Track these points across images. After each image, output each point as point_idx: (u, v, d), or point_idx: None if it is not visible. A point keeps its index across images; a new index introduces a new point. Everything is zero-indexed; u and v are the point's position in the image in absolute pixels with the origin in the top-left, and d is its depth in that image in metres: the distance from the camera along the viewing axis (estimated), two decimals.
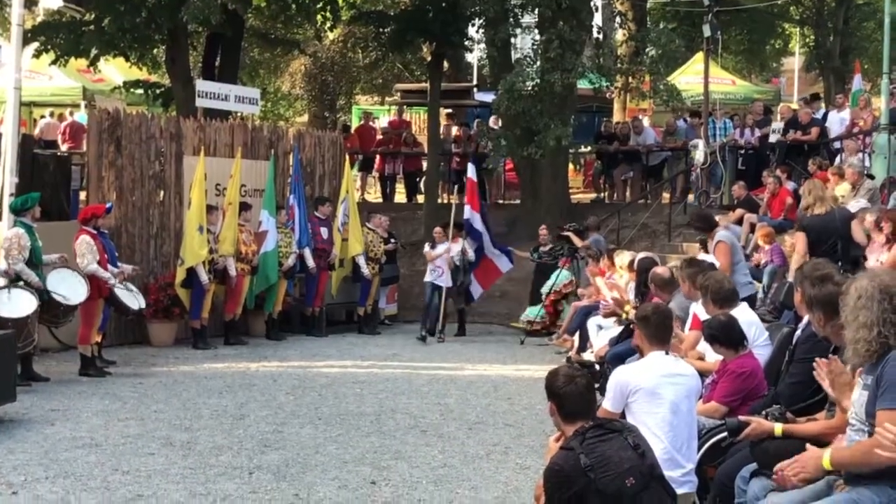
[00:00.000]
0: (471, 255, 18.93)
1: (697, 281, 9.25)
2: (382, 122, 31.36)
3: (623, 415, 6.50)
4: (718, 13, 20.01)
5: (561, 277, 18.73)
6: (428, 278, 18.74)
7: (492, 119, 26.36)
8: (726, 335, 7.82)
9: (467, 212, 19.02)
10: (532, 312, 19.07)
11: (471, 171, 19.80)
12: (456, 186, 21.33)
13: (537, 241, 20.19)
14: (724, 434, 6.79)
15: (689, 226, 13.82)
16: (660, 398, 6.46)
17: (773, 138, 20.51)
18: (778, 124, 20.80)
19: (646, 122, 25.89)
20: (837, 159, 18.90)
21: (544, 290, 18.89)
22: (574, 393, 5.42)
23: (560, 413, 5.46)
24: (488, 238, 19.37)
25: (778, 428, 6.09)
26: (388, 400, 12.59)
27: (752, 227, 16.81)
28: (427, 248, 19.04)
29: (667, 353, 6.80)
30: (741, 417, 6.50)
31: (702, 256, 13.20)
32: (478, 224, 19.08)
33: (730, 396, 7.57)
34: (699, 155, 19.86)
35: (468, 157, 26.15)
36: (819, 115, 21.16)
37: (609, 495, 5.04)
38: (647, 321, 6.89)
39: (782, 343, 7.92)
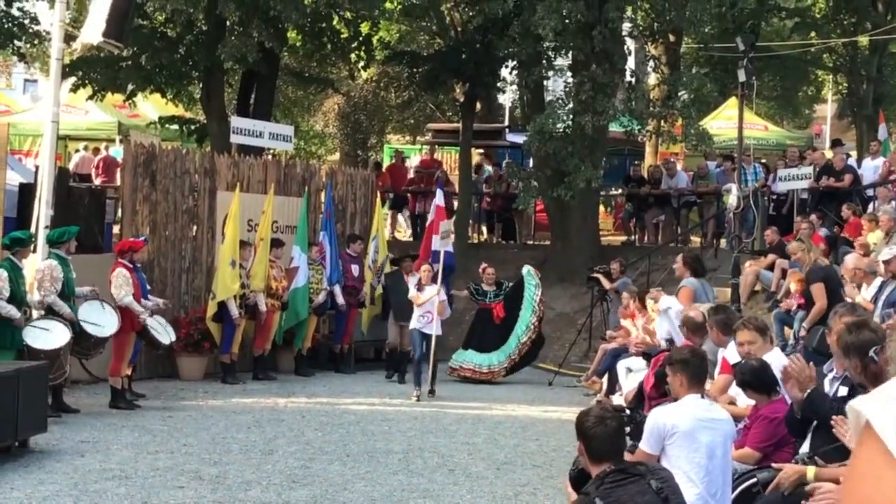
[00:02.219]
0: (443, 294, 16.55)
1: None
2: (413, 161, 31.48)
3: (658, 459, 6.47)
4: (752, 59, 20.00)
5: (524, 324, 18.05)
6: (414, 325, 16.37)
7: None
8: (758, 380, 7.78)
9: (435, 242, 17.48)
10: (488, 360, 18.14)
11: (439, 197, 18.60)
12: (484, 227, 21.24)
13: (479, 279, 19.04)
14: (755, 479, 6.75)
15: (683, 268, 14.22)
16: (696, 442, 6.43)
17: (800, 185, 20.43)
18: (799, 170, 20.64)
19: (678, 165, 25.88)
20: (870, 206, 18.83)
21: (511, 343, 18.08)
22: (602, 435, 5.42)
23: (587, 453, 5.46)
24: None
25: (810, 471, 6.05)
26: (416, 438, 12.58)
27: (784, 273, 16.76)
28: (413, 290, 16.55)
29: (702, 397, 6.78)
30: (774, 465, 6.46)
31: (664, 300, 13.41)
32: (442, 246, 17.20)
33: (763, 442, 7.53)
34: (732, 199, 19.82)
35: (500, 198, 26.29)
36: (849, 161, 21.13)
37: None
38: (683, 364, 6.87)
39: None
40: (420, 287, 16.37)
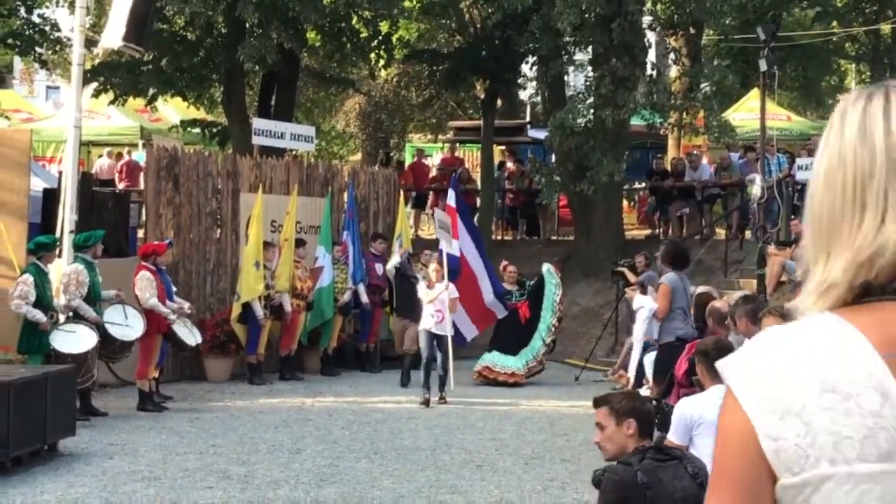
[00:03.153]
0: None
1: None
2: (435, 159, 31.47)
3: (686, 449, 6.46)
4: (774, 49, 19.89)
5: (546, 325, 17.38)
6: (424, 326, 15.29)
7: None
8: None
9: (443, 243, 16.83)
10: (505, 361, 17.31)
11: (451, 198, 18.00)
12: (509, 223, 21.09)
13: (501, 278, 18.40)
14: None
15: (662, 261, 13.26)
16: None
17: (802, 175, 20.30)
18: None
19: (703, 158, 25.77)
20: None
21: (535, 345, 17.33)
22: (650, 412, 5.64)
23: (637, 432, 5.50)
24: (487, 275, 17.76)
25: None
26: (443, 435, 12.58)
27: None
28: (422, 288, 15.62)
29: None
30: None
31: (638, 299, 13.02)
32: (457, 251, 17.11)
33: None
34: (756, 190, 19.72)
35: (523, 193, 26.26)
36: None
37: None
38: (704, 356, 6.86)
39: None
40: (430, 286, 15.48)
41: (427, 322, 15.21)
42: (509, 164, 27.85)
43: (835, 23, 33.55)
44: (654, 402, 7.33)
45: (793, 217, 19.45)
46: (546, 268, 17.99)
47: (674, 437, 6.55)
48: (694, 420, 6.49)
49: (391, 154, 35.58)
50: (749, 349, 1.77)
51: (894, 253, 1.69)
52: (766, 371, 1.70)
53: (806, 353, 1.68)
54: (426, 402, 14.84)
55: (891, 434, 1.63)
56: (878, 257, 1.70)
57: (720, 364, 1.78)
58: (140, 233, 19.57)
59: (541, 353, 17.37)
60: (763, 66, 19.41)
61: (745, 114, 29.43)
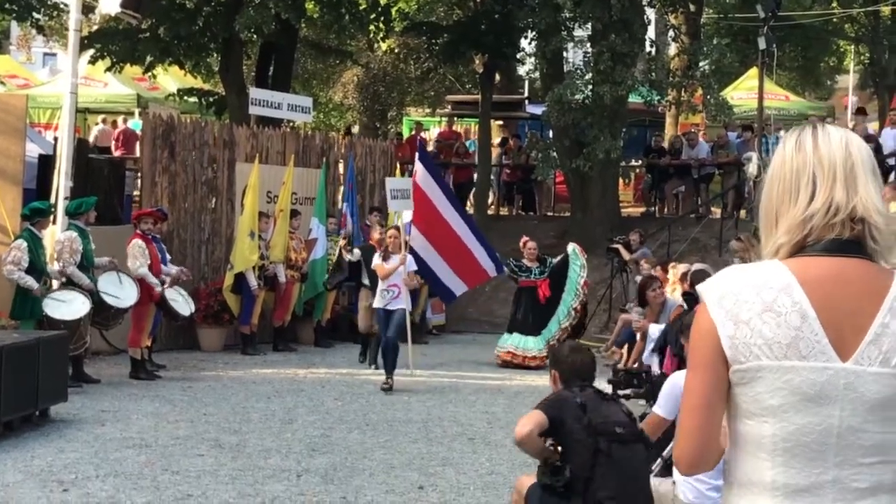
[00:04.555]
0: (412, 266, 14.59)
1: None
2: (433, 133, 31.42)
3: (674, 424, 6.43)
4: (773, 28, 19.86)
5: (566, 307, 16.46)
6: (378, 303, 13.96)
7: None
8: None
9: (391, 202, 15.89)
10: (525, 343, 16.53)
11: (417, 164, 16.51)
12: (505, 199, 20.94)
13: (519, 254, 17.29)
14: None
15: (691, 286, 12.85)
16: None
17: None
18: None
19: (700, 136, 25.76)
20: (891, 176, 18.71)
21: (552, 327, 16.43)
22: (577, 361, 5.94)
23: (560, 380, 5.93)
24: (474, 235, 16.46)
25: None
26: (436, 408, 12.59)
27: None
28: (377, 259, 14.09)
29: None
30: None
31: (653, 328, 12.69)
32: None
33: None
34: (752, 168, 19.72)
35: (519, 169, 26.23)
36: (869, 131, 20.98)
37: (599, 433, 5.50)
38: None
39: None
40: (386, 256, 13.97)
41: (380, 299, 13.88)
42: (510, 141, 27.80)
43: (834, 3, 33.49)
44: (644, 376, 7.29)
45: None
46: (571, 248, 17.03)
47: (661, 409, 6.25)
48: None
49: (389, 128, 35.54)
50: (719, 276, 2.66)
51: (821, 217, 2.56)
52: (728, 292, 2.59)
53: (755, 283, 2.57)
54: (389, 387, 13.55)
55: (807, 343, 2.52)
56: (809, 220, 2.57)
57: (700, 286, 2.67)
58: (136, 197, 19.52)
59: (556, 337, 16.07)
60: (762, 44, 19.40)
61: (743, 93, 29.41)
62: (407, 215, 15.96)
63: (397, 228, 14.62)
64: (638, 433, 5.71)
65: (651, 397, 6.88)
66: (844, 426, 2.52)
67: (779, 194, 2.63)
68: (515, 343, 16.56)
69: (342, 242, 17.34)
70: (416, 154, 17.26)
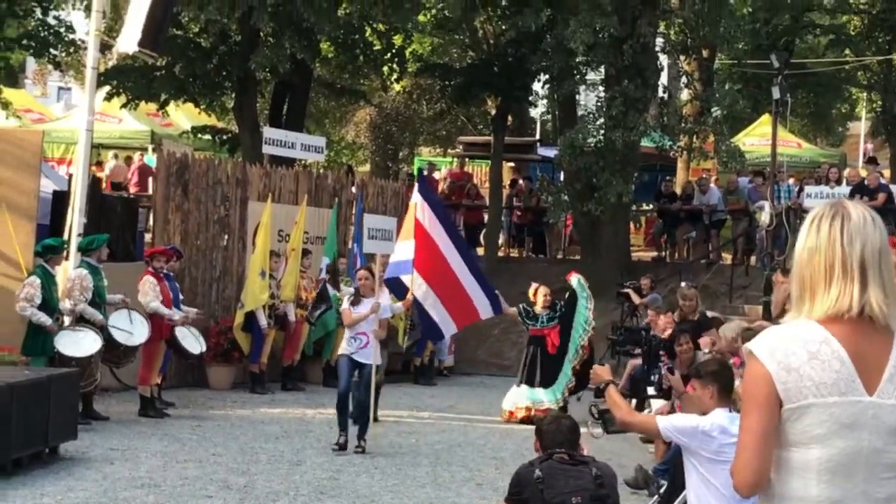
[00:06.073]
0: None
1: None
2: (444, 172, 31.48)
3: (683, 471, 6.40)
4: (786, 76, 19.94)
5: (574, 346, 15.21)
6: (344, 350, 12.38)
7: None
8: None
9: (402, 250, 14.06)
10: (534, 396, 15.37)
11: (415, 196, 14.48)
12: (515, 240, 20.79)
13: (530, 300, 15.82)
14: None
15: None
16: (725, 455, 6.32)
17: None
18: (832, 189, 20.47)
19: (711, 182, 25.80)
20: None
21: (566, 370, 15.22)
22: (555, 430, 6.26)
23: (541, 447, 6.25)
24: (472, 273, 14.73)
25: None
26: (444, 452, 12.57)
27: None
28: (346, 303, 12.63)
29: (730, 411, 6.70)
30: None
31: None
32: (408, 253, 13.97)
33: None
34: (765, 217, 19.72)
35: (530, 212, 26.27)
36: (881, 180, 21.00)
37: None
38: (714, 376, 6.72)
39: None
40: (356, 300, 12.40)
41: (346, 346, 12.37)
42: (521, 183, 27.87)
43: (847, 51, 33.57)
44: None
45: None
46: (576, 279, 15.78)
47: (662, 422, 6.25)
48: (699, 430, 6.23)
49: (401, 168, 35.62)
50: (767, 334, 3.34)
51: (844, 307, 3.23)
52: (777, 347, 3.25)
53: (800, 338, 3.25)
54: (341, 446, 12.10)
55: (845, 382, 3.19)
56: (841, 311, 3.24)
57: (750, 343, 3.33)
58: (147, 237, 19.57)
59: (566, 386, 15.18)
60: (776, 93, 19.45)
61: (755, 139, 29.44)
62: (397, 251, 14.21)
63: (369, 269, 13.09)
64: (602, 497, 6.00)
65: (648, 358, 6.97)
66: (871, 448, 3.20)
67: (811, 275, 3.31)
68: (530, 397, 15.37)
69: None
70: (416, 185, 15.29)
